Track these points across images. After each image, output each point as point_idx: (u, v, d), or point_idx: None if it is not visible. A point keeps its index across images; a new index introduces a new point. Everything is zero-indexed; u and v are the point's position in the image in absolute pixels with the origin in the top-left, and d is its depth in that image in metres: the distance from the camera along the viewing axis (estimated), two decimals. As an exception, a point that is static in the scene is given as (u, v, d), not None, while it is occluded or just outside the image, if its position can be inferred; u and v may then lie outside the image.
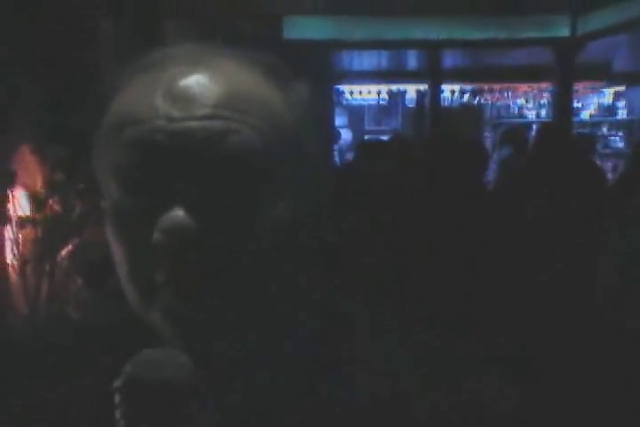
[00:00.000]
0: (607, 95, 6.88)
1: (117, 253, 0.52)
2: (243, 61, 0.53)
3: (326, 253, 0.58)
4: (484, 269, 2.38)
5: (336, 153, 6.54)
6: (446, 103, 6.72)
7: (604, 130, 6.84)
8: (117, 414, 0.46)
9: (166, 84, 0.51)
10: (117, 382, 0.46)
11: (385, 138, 4.46)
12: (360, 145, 3.72)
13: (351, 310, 0.62)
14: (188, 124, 0.49)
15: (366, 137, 6.65)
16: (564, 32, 5.21)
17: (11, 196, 2.67)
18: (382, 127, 7.24)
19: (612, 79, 6.56)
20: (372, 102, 7.25)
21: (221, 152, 0.48)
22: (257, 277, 0.50)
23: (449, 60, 6.12)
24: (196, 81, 0.51)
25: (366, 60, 6.58)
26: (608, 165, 6.42)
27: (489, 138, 6.68)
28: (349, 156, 3.73)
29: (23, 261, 2.66)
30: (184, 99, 0.50)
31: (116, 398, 0.46)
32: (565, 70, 5.48)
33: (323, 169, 0.57)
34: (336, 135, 6.56)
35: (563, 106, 5.68)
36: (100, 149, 0.53)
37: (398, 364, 0.57)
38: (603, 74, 6.37)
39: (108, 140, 0.51)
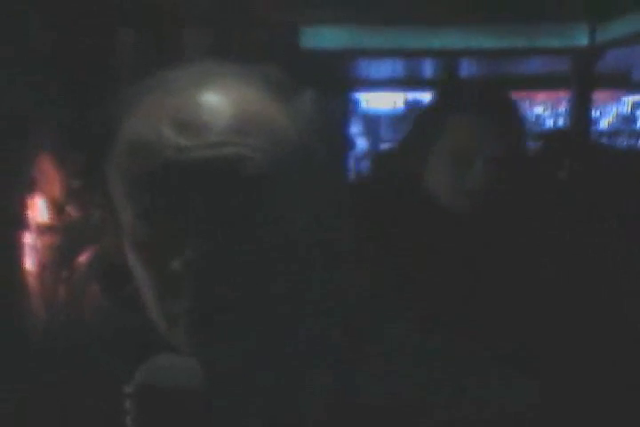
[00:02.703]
0: (626, 104, 6.84)
1: (139, 277, 0.53)
2: (245, 77, 0.53)
3: (341, 261, 0.58)
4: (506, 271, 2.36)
5: (352, 161, 6.54)
6: (463, 112, 6.70)
7: (623, 139, 6.79)
8: (128, 420, 0.46)
9: (174, 112, 0.50)
10: (129, 389, 0.46)
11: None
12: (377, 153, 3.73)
13: (362, 313, 0.61)
14: (197, 154, 0.49)
15: (382, 145, 6.65)
16: (583, 41, 5.19)
17: (29, 202, 2.70)
18: (398, 136, 7.22)
19: (631, 88, 6.51)
20: (389, 111, 7.24)
21: (236, 177, 0.49)
22: (276, 300, 0.51)
23: (466, 68, 6.10)
24: (202, 107, 0.50)
25: (383, 69, 6.58)
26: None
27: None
28: (365, 164, 3.75)
29: (41, 268, 2.68)
30: (191, 126, 0.49)
31: (127, 405, 0.46)
32: (584, 79, 5.44)
33: (336, 177, 0.58)
34: (351, 144, 6.58)
35: (581, 115, 5.63)
36: (112, 174, 0.54)
37: (402, 364, 0.57)
38: (622, 83, 6.32)
39: (119, 166, 0.52)
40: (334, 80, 5.15)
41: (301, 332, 0.56)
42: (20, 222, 2.64)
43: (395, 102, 7.09)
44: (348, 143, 6.48)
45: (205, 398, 0.46)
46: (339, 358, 0.56)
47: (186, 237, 0.48)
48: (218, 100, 0.50)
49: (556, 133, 5.01)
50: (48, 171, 2.74)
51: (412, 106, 7.12)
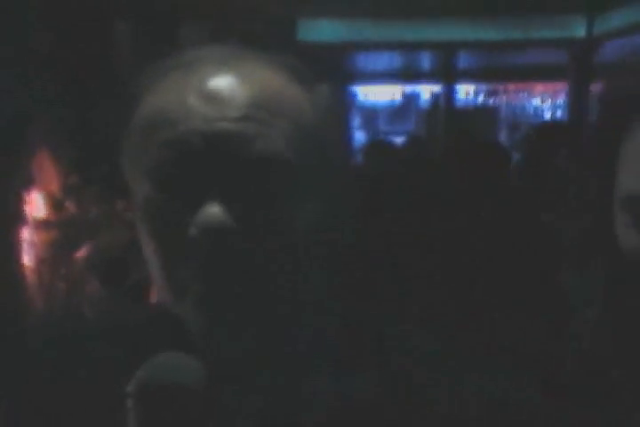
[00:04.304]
0: (624, 95, 6.82)
1: (149, 250, 0.53)
2: (268, 63, 0.54)
3: (347, 253, 0.59)
4: (499, 270, 2.37)
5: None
6: (461, 104, 6.69)
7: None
8: (130, 418, 0.47)
9: (199, 84, 0.51)
10: (130, 387, 0.47)
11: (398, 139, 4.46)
12: (371, 145, 3.72)
13: (366, 312, 0.62)
14: (222, 126, 0.50)
15: (379, 137, 6.65)
16: (581, 32, 5.18)
17: (27, 198, 2.70)
18: (396, 128, 7.22)
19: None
20: (387, 103, 7.23)
21: (253, 155, 0.49)
22: (284, 275, 0.51)
23: (464, 60, 6.09)
24: (229, 82, 0.51)
25: (380, 62, 6.57)
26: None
27: (504, 138, 6.65)
28: (361, 156, 3.75)
29: (39, 263, 2.68)
30: (217, 98, 0.50)
31: (129, 403, 0.47)
32: (582, 70, 5.43)
33: (345, 170, 0.58)
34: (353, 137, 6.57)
35: (579, 106, 5.63)
36: (131, 146, 0.54)
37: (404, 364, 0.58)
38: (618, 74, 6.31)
39: (139, 139, 0.52)
40: (332, 73, 5.12)
41: (301, 330, 0.56)
42: (18, 218, 2.64)
43: (392, 95, 7.08)
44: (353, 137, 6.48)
45: (207, 397, 0.47)
46: (338, 358, 0.56)
47: (202, 205, 0.49)
48: (243, 77, 0.52)
49: (551, 125, 5.01)
50: (46, 167, 2.74)
51: (409, 98, 7.11)
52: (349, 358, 0.57)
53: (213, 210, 0.48)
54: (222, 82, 0.51)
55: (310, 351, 0.56)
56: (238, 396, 0.53)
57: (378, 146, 3.60)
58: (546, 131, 3.49)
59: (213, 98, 0.50)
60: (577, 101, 5.64)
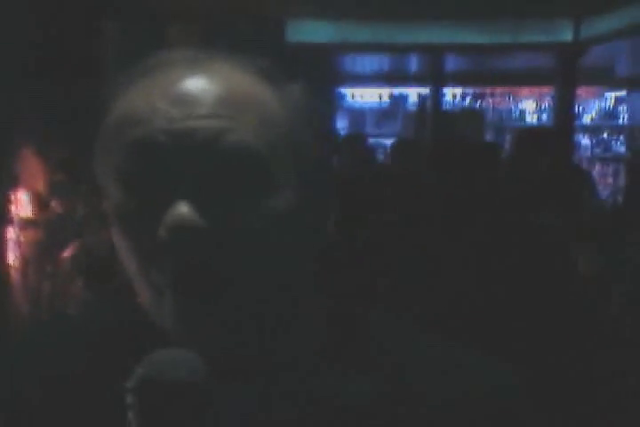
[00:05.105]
0: (609, 100, 6.88)
1: (124, 254, 0.53)
2: (237, 64, 0.55)
3: (327, 250, 0.59)
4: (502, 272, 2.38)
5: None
6: (448, 107, 6.72)
7: (605, 134, 6.84)
8: (130, 414, 0.46)
9: (165, 86, 0.52)
10: (130, 383, 0.46)
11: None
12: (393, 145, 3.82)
13: (354, 309, 0.62)
14: (187, 124, 0.50)
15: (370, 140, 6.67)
16: (567, 36, 5.22)
17: (13, 197, 2.68)
18: (383, 130, 7.24)
19: (613, 84, 6.57)
20: (374, 105, 7.25)
21: (220, 150, 0.50)
22: (259, 274, 0.51)
23: (451, 63, 6.13)
24: (194, 83, 0.52)
25: (368, 64, 6.59)
26: (609, 170, 6.43)
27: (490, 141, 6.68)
28: (347, 157, 3.78)
29: (25, 262, 2.67)
30: (183, 100, 0.51)
31: (129, 399, 0.46)
32: (568, 75, 5.48)
33: (323, 169, 0.58)
34: (337, 137, 6.57)
35: (564, 110, 5.68)
36: (101, 150, 0.54)
37: (400, 364, 0.58)
38: (605, 79, 6.38)
39: (109, 141, 0.53)
40: (320, 74, 5.13)
41: (282, 328, 0.55)
42: (3, 217, 2.62)
43: (380, 97, 7.10)
44: (335, 136, 6.48)
45: (207, 392, 0.47)
46: (326, 357, 0.56)
47: (170, 205, 0.49)
48: (210, 78, 0.53)
49: (535, 130, 5.06)
50: (32, 166, 2.72)
51: (396, 100, 7.13)
52: (334, 356, 0.56)
53: (182, 209, 0.48)
54: (189, 83, 0.52)
55: (294, 350, 0.56)
56: (237, 389, 0.54)
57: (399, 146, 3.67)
58: (530, 135, 3.53)
59: (180, 99, 0.51)
60: (563, 105, 5.69)
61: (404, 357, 0.58)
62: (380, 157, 6.53)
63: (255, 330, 0.52)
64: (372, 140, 6.59)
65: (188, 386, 0.46)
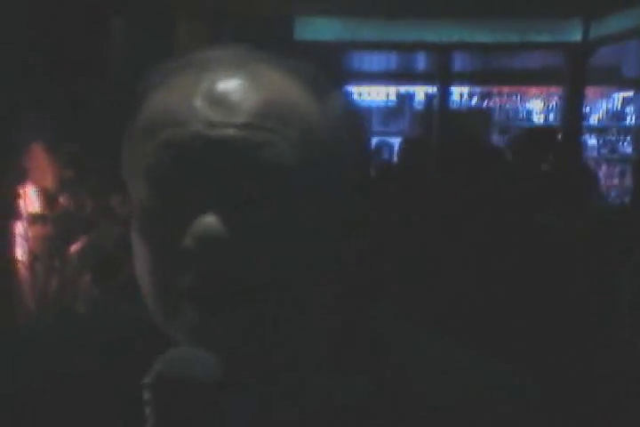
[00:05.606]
0: (616, 100, 6.86)
1: (141, 258, 0.51)
2: (282, 68, 0.52)
3: (359, 263, 0.57)
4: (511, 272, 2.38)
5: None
6: (455, 106, 6.71)
7: (612, 135, 6.82)
8: (147, 410, 0.47)
9: (207, 86, 0.49)
10: (147, 379, 0.47)
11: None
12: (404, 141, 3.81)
13: (378, 311, 0.62)
14: (226, 132, 0.48)
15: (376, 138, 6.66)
16: (577, 37, 5.20)
17: (22, 192, 2.69)
18: (390, 129, 7.23)
19: (621, 85, 6.54)
20: (381, 104, 7.24)
21: (255, 164, 0.48)
22: (281, 286, 0.50)
23: (459, 62, 6.11)
24: (238, 86, 0.49)
25: (375, 62, 6.57)
26: (616, 171, 6.41)
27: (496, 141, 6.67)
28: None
29: (33, 258, 2.68)
30: (225, 104, 0.49)
31: (146, 395, 0.47)
32: (576, 75, 5.46)
33: (361, 179, 0.55)
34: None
35: (572, 110, 5.66)
36: (131, 147, 0.52)
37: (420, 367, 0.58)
38: (612, 79, 6.35)
39: (141, 138, 0.50)
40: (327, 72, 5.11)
41: (304, 339, 0.54)
42: (12, 212, 2.63)
43: (387, 95, 7.08)
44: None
45: (220, 391, 0.47)
46: (326, 356, 0.56)
47: (197, 213, 0.47)
48: (253, 81, 0.50)
49: (542, 130, 5.04)
50: (40, 161, 2.72)
51: (403, 99, 7.12)
52: (334, 355, 0.56)
53: (210, 220, 0.47)
54: (232, 85, 0.49)
55: (295, 350, 0.55)
56: (252, 388, 0.54)
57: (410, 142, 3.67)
58: (536, 135, 3.52)
59: (221, 102, 0.48)
60: (571, 106, 5.66)
61: (404, 357, 0.58)
62: (386, 155, 6.54)
63: (270, 337, 0.51)
64: (378, 139, 6.60)
65: (203, 384, 0.46)
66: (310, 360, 0.55)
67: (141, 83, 0.54)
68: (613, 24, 4.79)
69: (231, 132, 0.48)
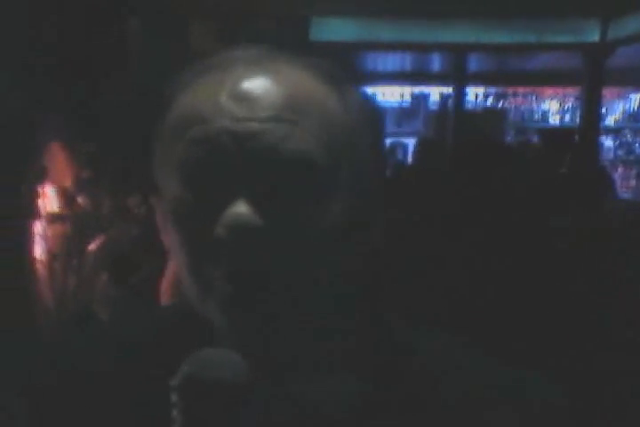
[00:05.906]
0: (633, 101, 6.80)
1: (176, 248, 0.54)
2: (302, 66, 0.55)
3: (374, 256, 0.59)
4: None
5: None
6: (470, 106, 6.68)
7: (629, 136, 6.76)
8: (174, 412, 0.47)
9: (231, 84, 0.52)
10: (175, 381, 0.47)
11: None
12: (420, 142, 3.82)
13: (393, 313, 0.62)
14: (251, 126, 0.50)
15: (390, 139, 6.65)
16: (594, 37, 5.16)
17: (40, 192, 2.71)
18: (404, 129, 7.22)
19: (638, 85, 6.49)
20: (395, 104, 7.22)
21: (279, 155, 0.50)
22: (311, 276, 0.52)
23: (474, 63, 6.08)
24: (260, 83, 0.52)
25: (390, 62, 6.56)
26: (632, 173, 6.36)
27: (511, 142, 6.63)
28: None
29: (51, 257, 2.70)
30: (248, 99, 0.51)
31: (173, 397, 0.47)
32: (594, 75, 5.42)
33: (377, 174, 0.58)
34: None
35: (590, 111, 5.61)
36: (162, 146, 0.55)
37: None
38: (630, 80, 6.30)
39: (171, 137, 0.53)
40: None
41: (329, 329, 0.56)
42: (30, 212, 2.65)
43: (402, 95, 7.07)
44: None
45: (250, 392, 0.47)
46: (326, 357, 0.56)
47: (228, 204, 0.49)
48: (275, 78, 0.52)
49: (559, 131, 5.01)
50: (59, 161, 2.75)
51: (418, 99, 7.09)
52: (368, 357, 0.57)
53: (241, 209, 0.49)
54: (254, 82, 0.52)
55: (336, 350, 0.56)
56: (279, 390, 0.54)
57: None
58: (552, 136, 3.51)
59: (245, 98, 0.51)
60: (589, 106, 5.62)
61: (404, 356, 0.59)
62: (400, 156, 6.53)
63: (293, 330, 0.53)
64: (392, 140, 6.58)
65: (231, 385, 0.47)
66: (307, 360, 0.56)
67: (169, 85, 0.57)
68: (631, 24, 4.75)
69: (256, 125, 0.50)
